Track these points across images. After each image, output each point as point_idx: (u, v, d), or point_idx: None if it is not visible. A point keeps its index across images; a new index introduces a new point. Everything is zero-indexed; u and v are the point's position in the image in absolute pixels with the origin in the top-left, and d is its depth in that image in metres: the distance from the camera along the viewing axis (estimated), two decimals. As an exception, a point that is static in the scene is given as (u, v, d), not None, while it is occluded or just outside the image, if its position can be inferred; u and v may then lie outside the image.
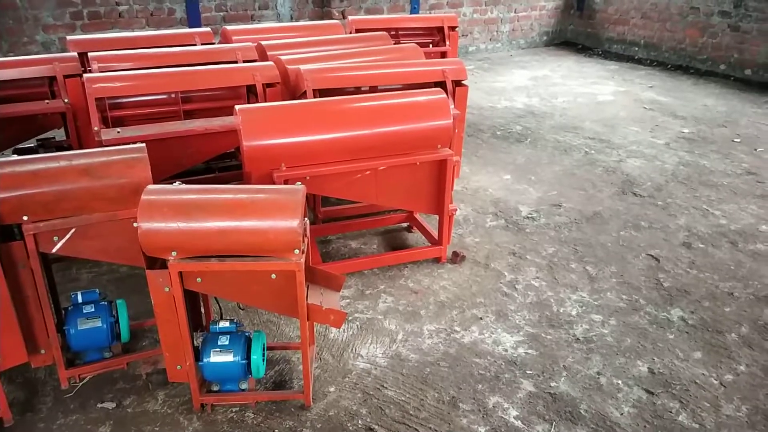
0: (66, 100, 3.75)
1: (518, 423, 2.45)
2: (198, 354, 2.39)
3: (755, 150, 5.41)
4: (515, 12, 9.62)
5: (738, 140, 5.66)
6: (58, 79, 3.77)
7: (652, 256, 3.69)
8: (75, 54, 4.02)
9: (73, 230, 2.34)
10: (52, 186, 2.29)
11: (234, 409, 2.49)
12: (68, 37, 4.49)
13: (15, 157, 2.77)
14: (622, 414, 2.50)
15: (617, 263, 3.60)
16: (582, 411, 2.51)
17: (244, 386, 2.50)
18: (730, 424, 2.46)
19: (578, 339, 2.95)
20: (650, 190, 4.59)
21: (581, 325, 3.05)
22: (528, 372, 2.73)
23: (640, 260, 3.64)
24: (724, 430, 2.42)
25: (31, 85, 3.85)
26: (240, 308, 3.10)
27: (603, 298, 3.27)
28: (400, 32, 5.62)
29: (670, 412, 2.51)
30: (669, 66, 8.59)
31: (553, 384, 2.66)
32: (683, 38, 8.46)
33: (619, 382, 2.67)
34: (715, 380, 2.69)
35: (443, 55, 5.52)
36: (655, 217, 4.17)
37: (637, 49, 9.15)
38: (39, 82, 3.86)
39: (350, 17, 5.44)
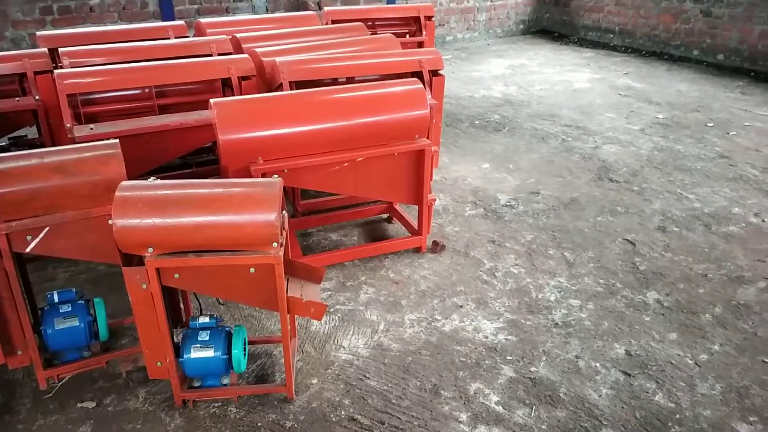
0: (37, 97, 3.68)
1: (499, 408, 2.48)
2: (178, 350, 2.38)
3: (728, 134, 5.51)
4: (491, 1, 9.63)
5: (711, 125, 5.75)
6: (29, 76, 3.70)
7: (628, 240, 3.74)
8: (45, 50, 3.94)
9: (46, 229, 2.31)
10: (23, 185, 2.25)
11: (216, 404, 2.49)
12: (38, 33, 4.40)
13: (-15, 156, 2.72)
14: (600, 396, 2.54)
15: (594, 248, 3.65)
16: (561, 394, 2.55)
17: (225, 381, 2.50)
18: (705, 402, 2.52)
19: (557, 324, 2.99)
20: (626, 176, 4.66)
21: (560, 310, 3.09)
22: (508, 358, 2.76)
23: (616, 245, 3.69)
24: (699, 409, 2.48)
25: (0, 82, 3.77)
26: (220, 303, 3.09)
27: (581, 283, 3.31)
28: (376, 23, 5.60)
29: (647, 392, 2.57)
30: (643, 52, 8.68)
31: (533, 369, 2.70)
32: (657, 24, 8.56)
33: (597, 364, 2.72)
34: (690, 360, 2.75)
35: (420, 45, 5.52)
36: (631, 202, 4.23)
37: (612, 36, 9.23)
38: (9, 79, 3.79)
39: (326, 8, 5.41)
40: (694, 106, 6.29)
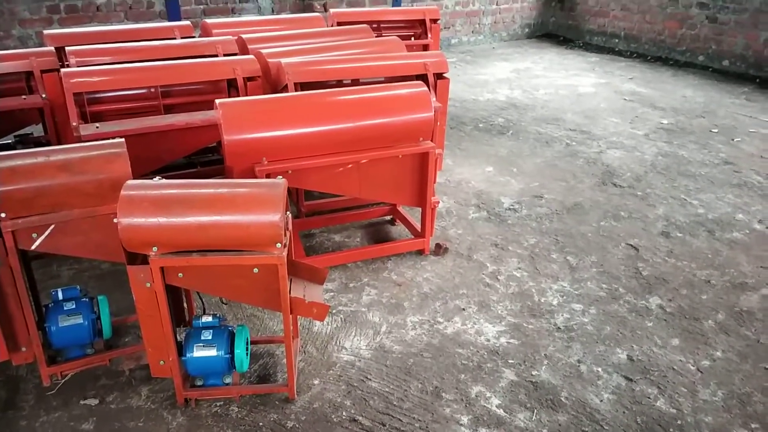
0: (44, 95, 3.70)
1: (500, 411, 2.48)
2: (181, 349, 2.39)
3: (732, 140, 5.50)
4: (497, 4, 9.64)
5: (716, 130, 5.74)
6: (35, 74, 3.72)
7: (631, 245, 3.74)
8: (52, 48, 3.97)
9: (52, 227, 2.32)
10: (30, 182, 2.27)
11: (218, 404, 2.49)
12: (45, 32, 4.42)
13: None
14: (601, 401, 2.54)
15: (597, 253, 3.65)
16: (563, 398, 2.55)
17: (228, 380, 2.50)
18: (707, 408, 2.51)
19: (559, 328, 2.99)
20: (630, 181, 4.65)
21: (562, 315, 3.09)
22: (510, 361, 2.76)
23: (619, 250, 3.69)
24: (700, 415, 2.48)
25: (7, 80, 3.80)
26: (223, 303, 3.09)
27: (583, 288, 3.31)
28: (381, 25, 5.61)
29: (649, 397, 2.56)
30: (649, 57, 8.67)
31: (534, 372, 2.70)
32: (662, 30, 8.55)
33: (599, 369, 2.72)
34: (692, 366, 2.75)
35: (425, 47, 5.53)
36: (635, 207, 4.23)
37: (617, 40, 9.23)
38: (16, 78, 3.81)
39: (332, 10, 5.42)
40: (699, 112, 6.29)
